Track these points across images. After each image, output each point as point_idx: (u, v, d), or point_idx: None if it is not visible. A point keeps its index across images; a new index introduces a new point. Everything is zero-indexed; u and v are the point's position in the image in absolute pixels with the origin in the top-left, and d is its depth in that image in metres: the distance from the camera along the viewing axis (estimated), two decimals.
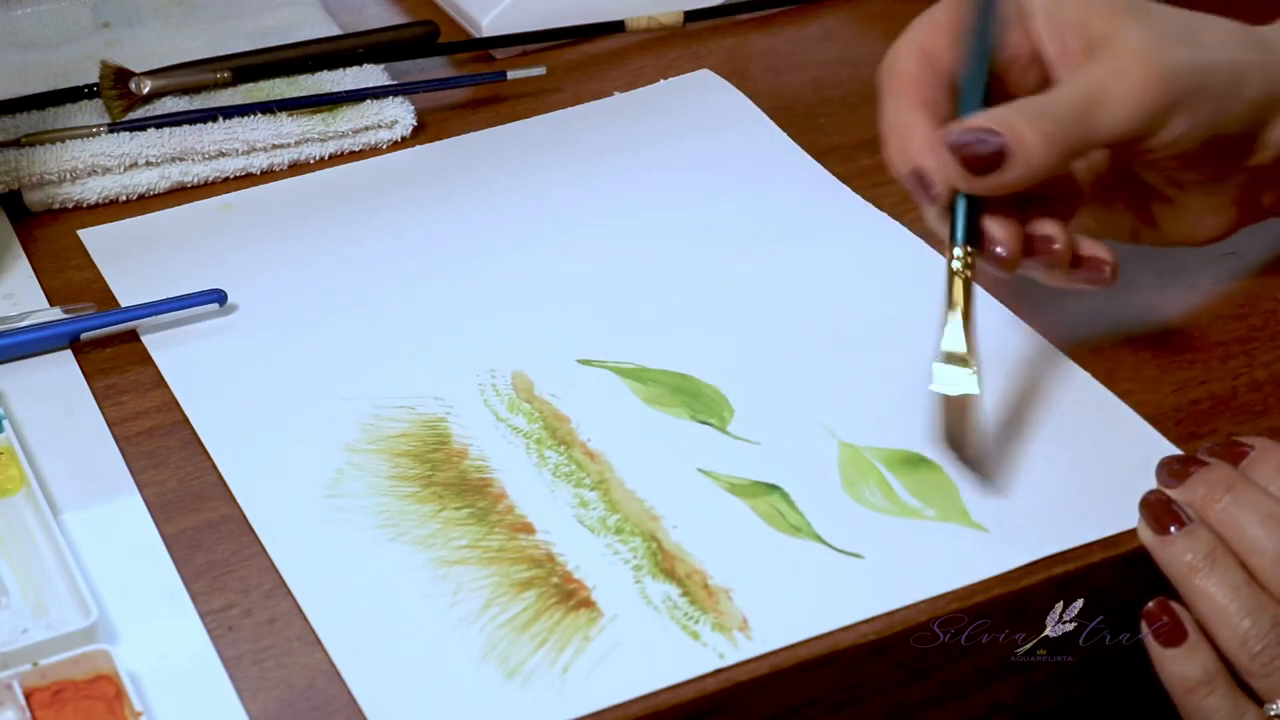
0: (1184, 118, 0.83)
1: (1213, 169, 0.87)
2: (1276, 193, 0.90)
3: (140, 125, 1.03)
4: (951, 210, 0.83)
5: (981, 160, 0.81)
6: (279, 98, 1.06)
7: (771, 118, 1.06)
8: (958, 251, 0.82)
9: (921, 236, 0.96)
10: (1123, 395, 0.87)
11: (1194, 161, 0.86)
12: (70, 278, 0.97)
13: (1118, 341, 0.90)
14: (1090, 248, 0.85)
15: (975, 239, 0.82)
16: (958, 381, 0.82)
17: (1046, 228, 0.84)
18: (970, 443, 0.82)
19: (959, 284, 0.82)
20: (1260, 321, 0.91)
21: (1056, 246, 0.84)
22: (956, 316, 0.82)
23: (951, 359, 0.82)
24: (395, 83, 1.08)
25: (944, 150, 0.82)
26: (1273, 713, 0.76)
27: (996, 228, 0.83)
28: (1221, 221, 0.90)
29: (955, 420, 0.82)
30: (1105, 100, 0.83)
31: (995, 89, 0.85)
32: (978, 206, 0.83)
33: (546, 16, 1.12)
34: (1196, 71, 0.83)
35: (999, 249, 0.83)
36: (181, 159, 1.03)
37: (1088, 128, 0.83)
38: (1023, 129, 0.82)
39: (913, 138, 0.84)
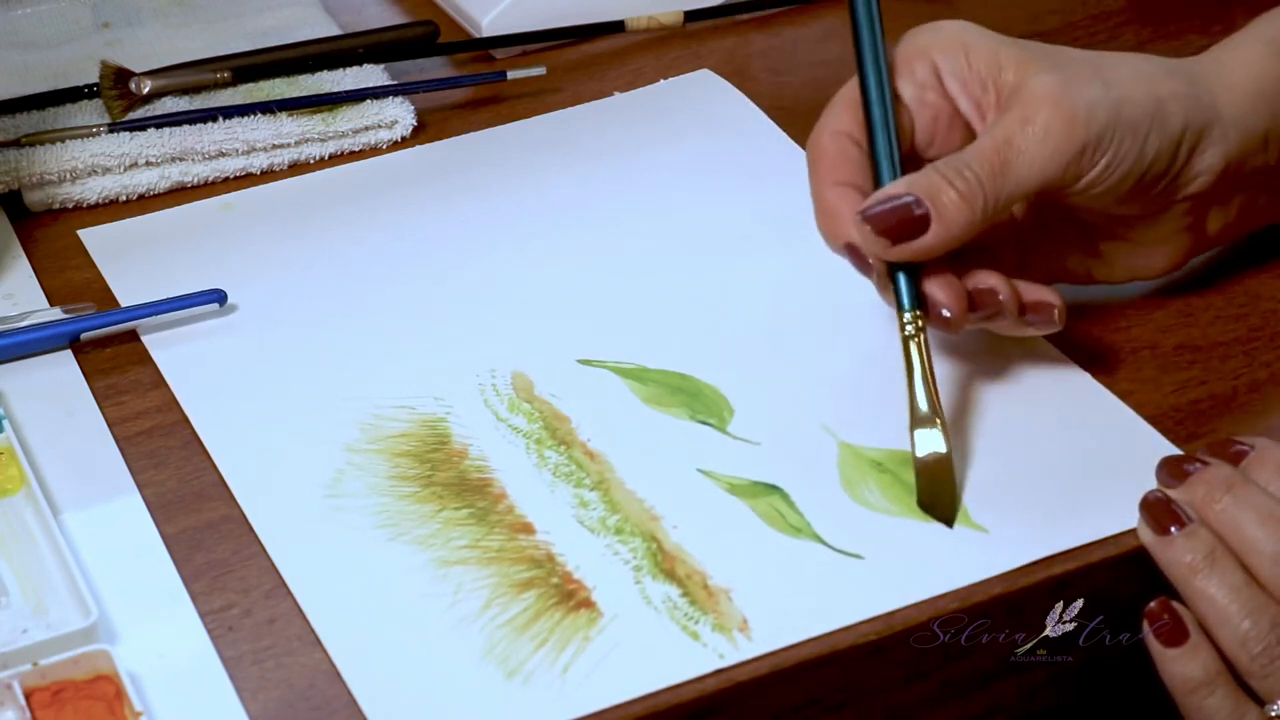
0: (1105, 157, 0.83)
1: (1148, 203, 0.87)
2: (1222, 219, 0.90)
3: (140, 125, 1.03)
4: (892, 278, 0.83)
5: (902, 229, 0.82)
6: (279, 98, 1.06)
7: (771, 118, 1.05)
8: (907, 317, 0.83)
9: None
10: (1123, 395, 0.87)
11: (1128, 198, 0.86)
12: (70, 278, 0.97)
13: (1118, 341, 0.90)
14: (1034, 293, 0.85)
15: (920, 302, 0.83)
16: (926, 442, 0.82)
17: (989, 280, 0.84)
18: (948, 502, 0.82)
19: (914, 348, 0.83)
20: (1260, 321, 0.91)
21: (1001, 298, 0.84)
22: (918, 380, 0.82)
23: (919, 423, 0.82)
24: (395, 83, 1.08)
25: (863, 228, 0.82)
26: (1273, 713, 0.76)
27: (937, 290, 0.83)
28: (1171, 253, 0.90)
29: (931, 480, 0.82)
30: (1018, 151, 0.83)
31: (917, 154, 0.86)
32: (917, 270, 0.83)
33: (546, 16, 1.12)
34: (1111, 109, 0.83)
35: (943, 311, 0.83)
36: (181, 159, 1.03)
37: (1003, 182, 0.82)
38: (938, 192, 0.82)
39: (839, 215, 0.84)
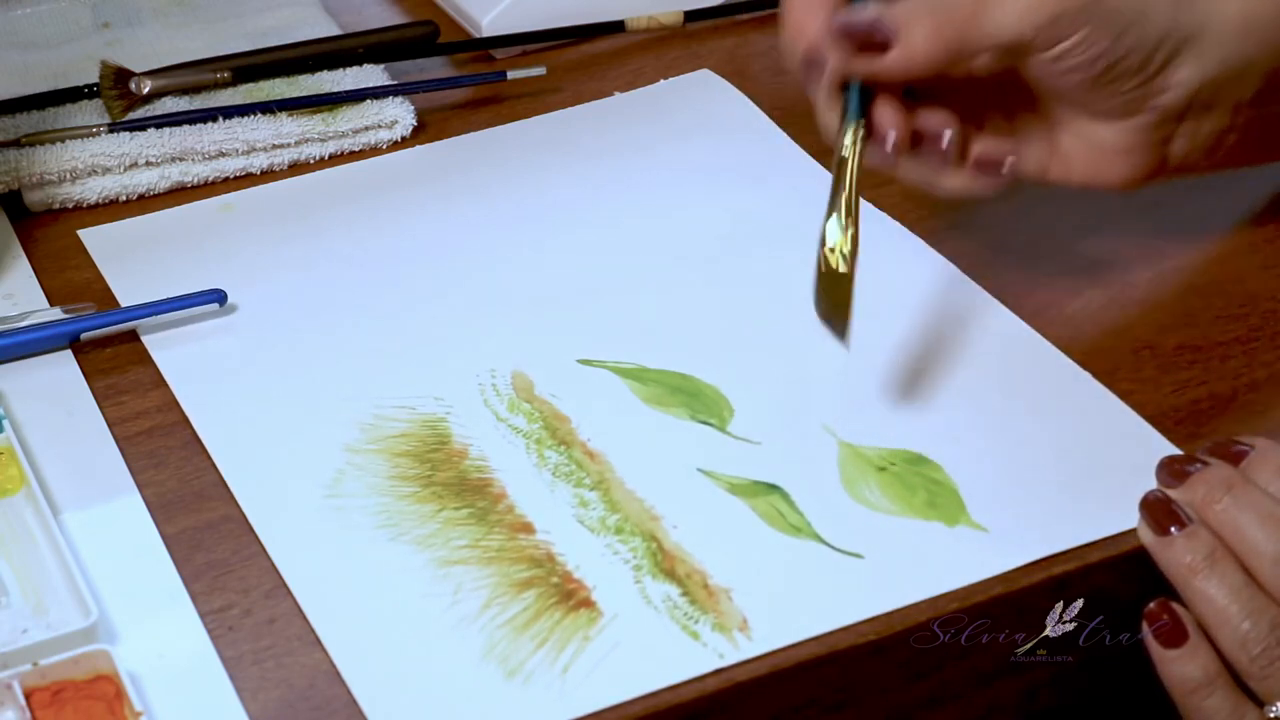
0: (1079, 33, 0.84)
1: (1116, 100, 0.87)
2: (1188, 145, 0.89)
3: (140, 125, 1.03)
4: (844, 94, 0.85)
5: (867, 43, 0.83)
6: (279, 98, 1.06)
7: (771, 118, 1.06)
8: (847, 136, 0.84)
9: (923, 237, 0.96)
10: (1123, 395, 0.87)
11: (1097, 88, 0.86)
12: (70, 278, 0.97)
13: (1118, 341, 0.90)
14: (986, 145, 0.86)
15: (864, 116, 0.84)
16: (833, 246, 0.83)
17: (937, 121, 0.85)
18: (839, 316, 0.83)
19: (846, 166, 0.84)
20: (1260, 321, 0.91)
21: (947, 133, 0.85)
22: (840, 196, 0.83)
23: (831, 233, 0.83)
24: (395, 83, 1.08)
25: (833, 33, 0.84)
26: (1273, 714, 0.76)
27: (885, 113, 0.84)
28: (1131, 165, 0.89)
29: (827, 292, 0.83)
30: (996, 1, 0.83)
31: None
32: (869, 91, 0.84)
33: (546, 16, 1.12)
34: None
35: (888, 132, 0.84)
36: (181, 159, 1.03)
37: (977, 27, 0.84)
38: (910, 21, 0.83)
39: (806, 23, 0.86)
